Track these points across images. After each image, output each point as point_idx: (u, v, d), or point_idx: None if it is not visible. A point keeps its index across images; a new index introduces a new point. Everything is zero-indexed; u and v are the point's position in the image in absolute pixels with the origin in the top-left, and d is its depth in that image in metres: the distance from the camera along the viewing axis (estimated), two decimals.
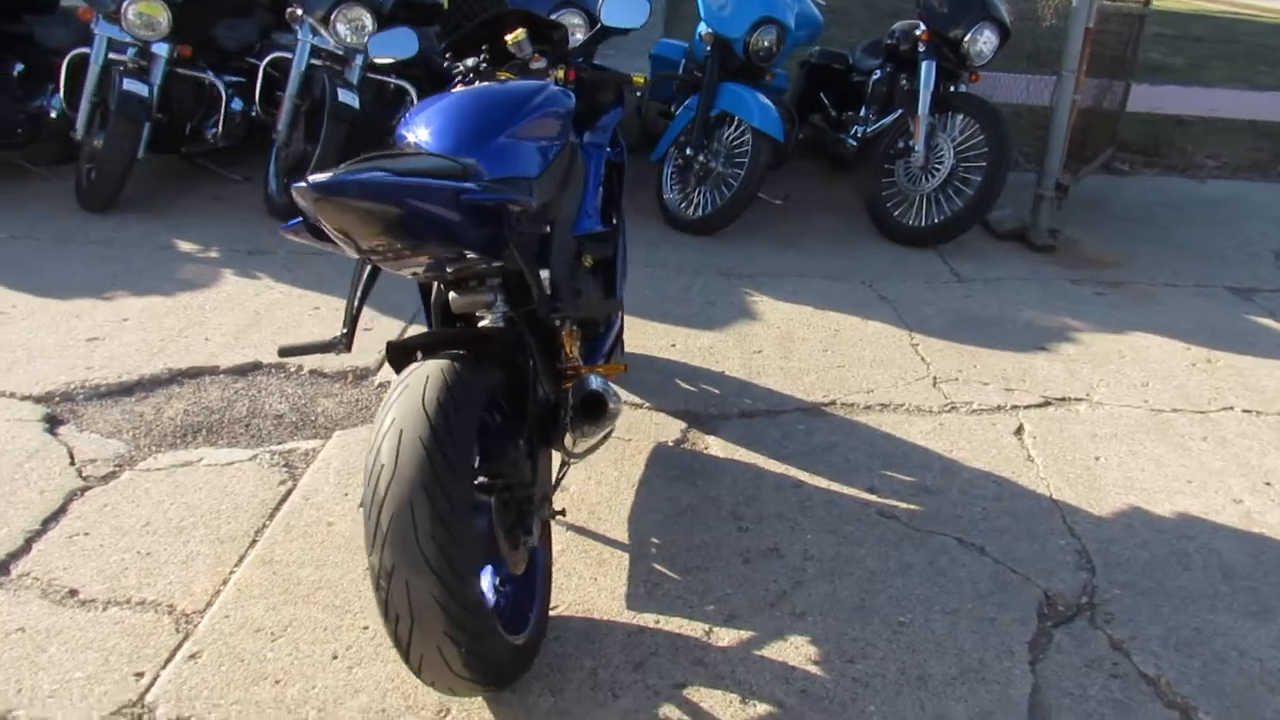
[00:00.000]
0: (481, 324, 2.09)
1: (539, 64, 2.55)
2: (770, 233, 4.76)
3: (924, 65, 4.61)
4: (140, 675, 1.95)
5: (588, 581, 2.25)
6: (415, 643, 1.62)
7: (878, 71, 5.18)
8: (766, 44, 4.62)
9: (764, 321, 3.71)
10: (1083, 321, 3.89)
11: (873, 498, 2.62)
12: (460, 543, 1.60)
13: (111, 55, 4.77)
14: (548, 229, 2.23)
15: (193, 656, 1.99)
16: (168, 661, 1.98)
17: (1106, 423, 3.08)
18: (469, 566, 1.62)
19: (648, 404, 3.05)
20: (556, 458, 2.19)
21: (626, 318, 3.63)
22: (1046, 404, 3.18)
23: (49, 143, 5.21)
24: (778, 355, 3.43)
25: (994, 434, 2.98)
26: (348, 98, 4.50)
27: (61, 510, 2.45)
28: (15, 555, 2.28)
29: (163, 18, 4.69)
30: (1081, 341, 3.69)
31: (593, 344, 2.43)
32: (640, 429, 2.92)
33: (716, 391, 3.16)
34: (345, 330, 1.92)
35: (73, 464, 2.65)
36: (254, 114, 5.10)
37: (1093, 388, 3.31)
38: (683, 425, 2.95)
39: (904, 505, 2.60)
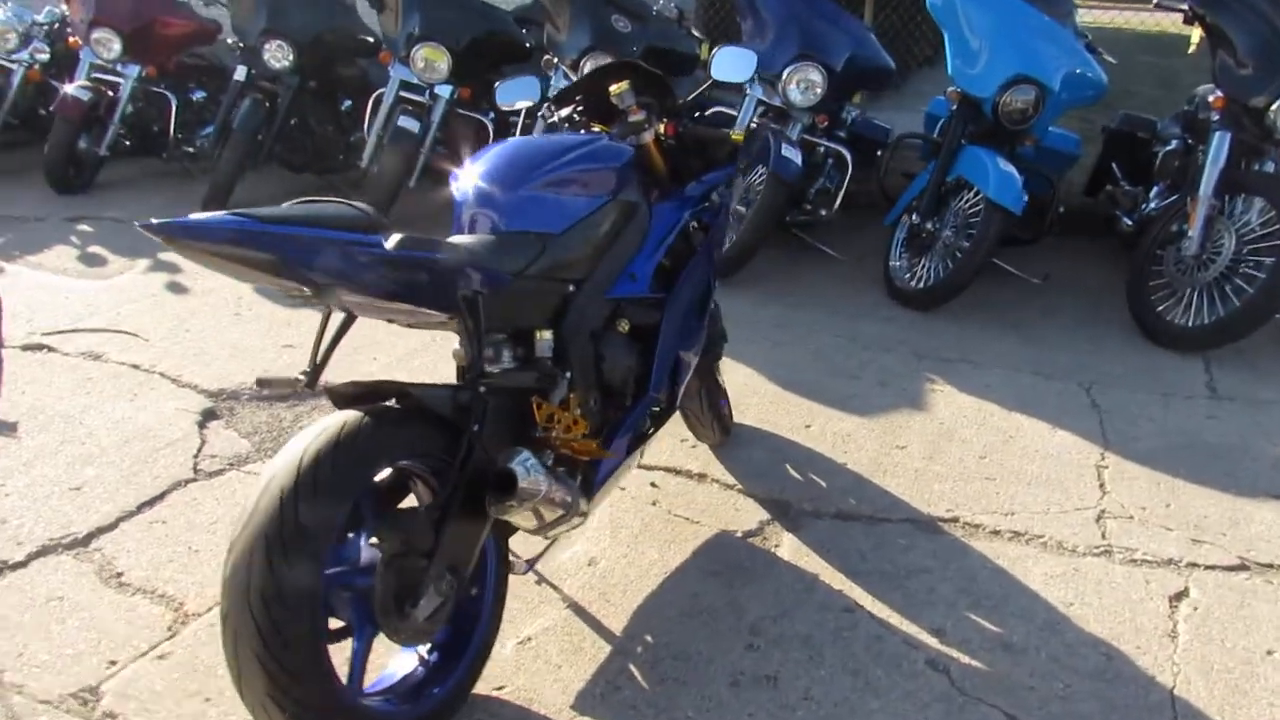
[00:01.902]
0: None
1: (638, 116, 2.44)
2: (1001, 314, 4.22)
3: (1215, 137, 3.86)
4: (114, 664, 2.09)
5: (550, 668, 2.09)
6: (244, 694, 1.59)
7: (1173, 142, 4.44)
8: (1020, 106, 4.12)
9: (929, 414, 3.29)
10: None
11: (931, 642, 2.20)
12: (292, 606, 1.55)
13: (402, 94, 5.30)
14: (571, 288, 2.12)
15: (161, 657, 2.11)
16: (140, 656, 2.11)
17: None
18: (300, 631, 1.56)
19: (738, 486, 2.81)
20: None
21: (770, 385, 3.41)
22: (1241, 568, 2.51)
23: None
24: (921, 454, 3.01)
25: (1141, 594, 2.39)
26: None
27: (160, 497, 2.72)
28: (102, 530, 2.56)
29: (443, 63, 5.14)
30: None
31: (620, 414, 2.27)
32: (715, 512, 2.69)
33: (823, 485, 2.83)
34: (308, 370, 1.93)
35: (196, 456, 2.93)
36: None
37: None
38: (764, 517, 2.68)
39: (965, 659, 2.15)
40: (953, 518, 2.69)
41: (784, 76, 4.40)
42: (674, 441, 3.00)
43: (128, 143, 6.07)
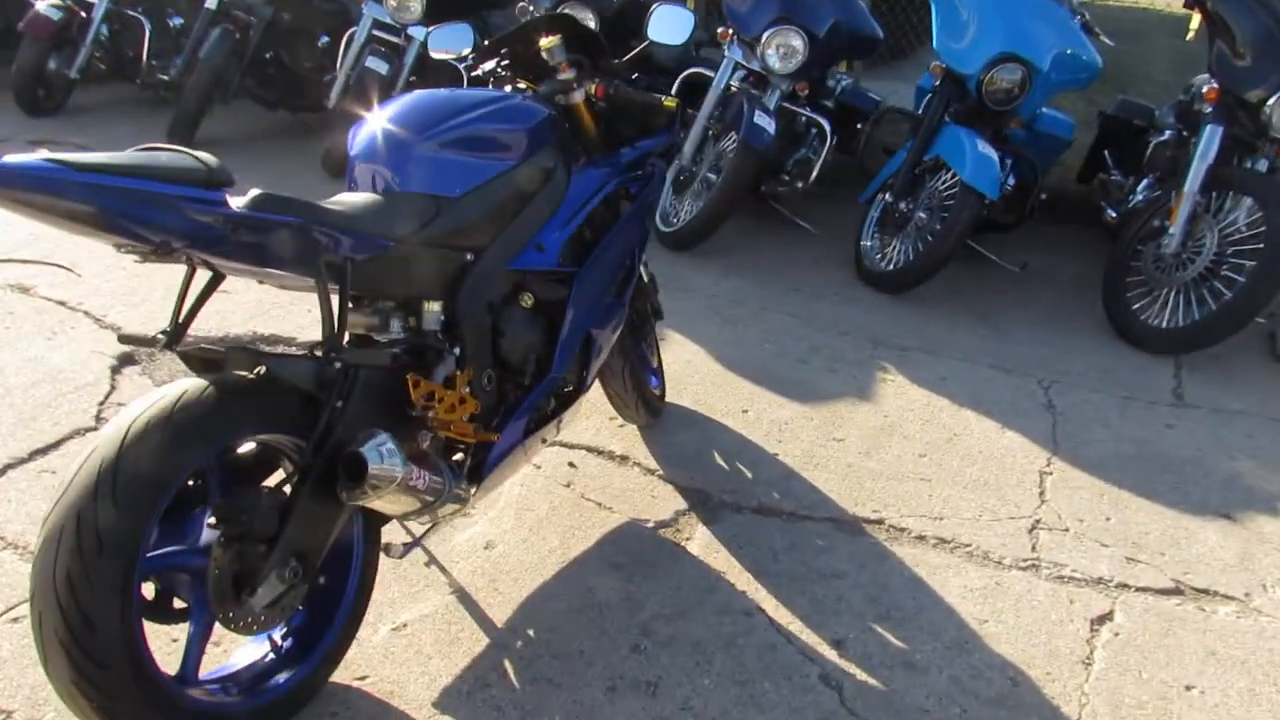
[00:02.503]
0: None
1: (567, 74, 2.29)
2: (971, 303, 4.07)
3: (1206, 130, 3.67)
4: None
5: (420, 658, 1.99)
6: (52, 679, 1.48)
7: (1168, 132, 4.24)
8: (1005, 85, 3.92)
9: (876, 405, 3.15)
10: None
11: (830, 655, 2.09)
12: (100, 590, 1.43)
13: (376, 33, 5.11)
14: (469, 257, 1.98)
15: (16, 620, 2.01)
16: None
17: (1244, 641, 2.24)
18: (108, 617, 1.44)
19: (660, 472, 2.69)
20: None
21: (714, 364, 3.27)
22: (1174, 592, 2.38)
23: None
24: (858, 449, 2.88)
25: (1062, 615, 2.27)
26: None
27: (55, 445, 2.60)
28: None
29: (417, 3, 4.94)
30: None
31: (520, 395, 2.13)
32: (629, 499, 2.57)
33: (749, 475, 2.71)
34: (168, 328, 1.80)
35: (102, 404, 2.81)
36: None
37: (1262, 586, 2.43)
38: (681, 506, 2.56)
39: (862, 676, 2.04)
40: (878, 519, 2.57)
41: (763, 40, 4.20)
42: (601, 419, 2.88)
43: (103, 66, 5.89)
